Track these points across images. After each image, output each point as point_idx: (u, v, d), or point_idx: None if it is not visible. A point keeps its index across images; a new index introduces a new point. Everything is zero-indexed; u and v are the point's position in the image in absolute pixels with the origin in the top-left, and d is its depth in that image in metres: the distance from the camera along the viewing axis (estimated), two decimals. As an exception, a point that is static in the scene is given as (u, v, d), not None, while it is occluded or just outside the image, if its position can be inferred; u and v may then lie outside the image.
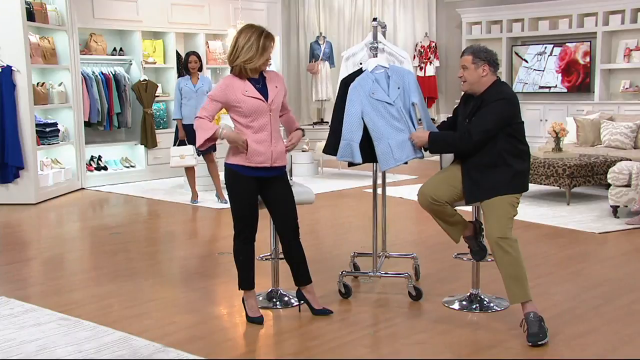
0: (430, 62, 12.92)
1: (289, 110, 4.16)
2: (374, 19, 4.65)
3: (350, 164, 4.41)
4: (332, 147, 4.42)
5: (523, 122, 4.00)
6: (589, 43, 11.37)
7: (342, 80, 4.52)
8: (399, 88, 4.29)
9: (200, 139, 3.93)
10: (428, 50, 12.95)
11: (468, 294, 4.30)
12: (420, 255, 5.00)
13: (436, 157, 4.44)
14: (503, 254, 3.77)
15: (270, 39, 3.90)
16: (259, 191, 4.00)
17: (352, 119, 4.27)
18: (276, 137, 3.94)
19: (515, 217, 3.91)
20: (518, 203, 3.92)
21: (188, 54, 7.87)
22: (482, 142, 3.86)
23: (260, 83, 3.92)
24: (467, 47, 4.10)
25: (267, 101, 3.88)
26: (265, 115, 3.88)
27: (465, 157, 3.97)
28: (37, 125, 8.29)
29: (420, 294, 4.36)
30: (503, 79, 12.01)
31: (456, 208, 4.11)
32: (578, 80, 11.59)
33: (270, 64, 3.97)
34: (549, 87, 11.90)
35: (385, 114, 4.25)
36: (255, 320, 4.01)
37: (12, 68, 7.88)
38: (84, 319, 4.05)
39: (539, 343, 3.60)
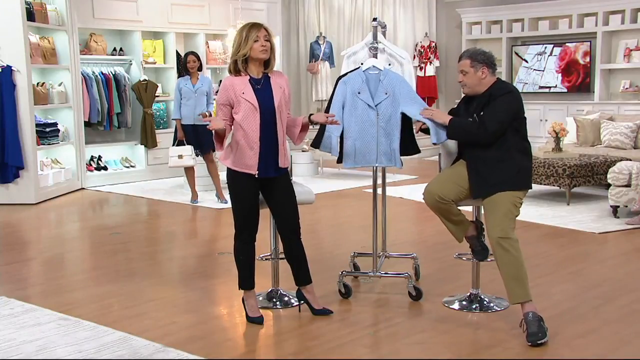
0: (430, 62, 12.92)
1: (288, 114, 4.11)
2: (374, 19, 4.65)
3: (339, 160, 4.43)
4: (317, 140, 4.47)
5: (526, 118, 4.06)
6: (589, 43, 11.38)
7: (338, 77, 4.54)
8: (386, 94, 4.28)
9: (215, 142, 3.98)
10: (428, 50, 12.95)
11: (468, 294, 4.30)
12: (420, 255, 5.00)
13: (435, 158, 4.44)
14: (504, 253, 3.77)
15: (255, 27, 3.84)
16: (260, 191, 4.01)
17: (334, 113, 4.32)
18: (281, 138, 3.94)
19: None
20: (521, 203, 3.93)
21: (187, 54, 7.86)
22: (498, 134, 3.89)
23: (261, 83, 3.91)
24: (464, 52, 4.11)
25: (260, 105, 3.83)
26: (257, 117, 3.85)
27: (472, 153, 3.97)
28: (37, 125, 8.29)
29: (420, 294, 4.36)
30: (503, 78, 12.00)
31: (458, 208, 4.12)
32: (578, 80, 11.59)
33: (264, 49, 3.84)
34: (549, 87, 11.91)
35: (361, 115, 4.27)
36: (255, 320, 4.01)
37: (12, 68, 7.88)
38: (84, 319, 4.05)
39: (538, 342, 3.60)
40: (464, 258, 4.41)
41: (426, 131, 4.19)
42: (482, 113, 3.95)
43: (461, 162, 4.08)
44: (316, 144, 4.48)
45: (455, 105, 4.31)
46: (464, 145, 4.08)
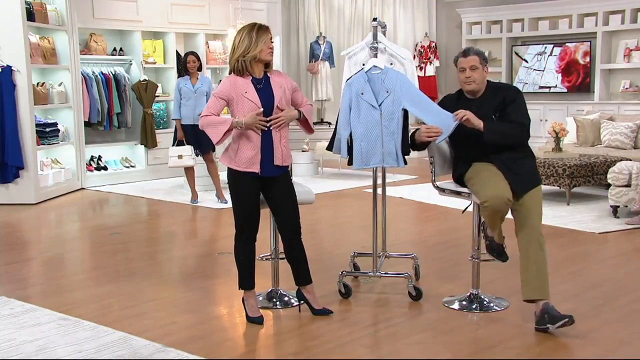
0: (430, 62, 12.92)
1: (308, 105, 4.13)
2: (374, 19, 4.65)
3: (350, 162, 4.43)
4: (332, 143, 4.51)
5: None
6: (589, 43, 11.38)
7: (346, 80, 4.54)
8: (387, 92, 4.28)
9: (217, 133, 3.85)
10: (428, 50, 12.95)
11: (468, 294, 4.29)
12: (420, 255, 5.00)
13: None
14: (539, 250, 3.84)
15: (263, 30, 3.89)
16: (261, 190, 4.01)
17: (342, 115, 4.36)
18: (277, 137, 3.94)
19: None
20: None
21: (187, 54, 7.87)
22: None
23: (262, 83, 3.92)
24: (468, 49, 4.14)
25: (263, 105, 3.86)
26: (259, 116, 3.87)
27: (500, 155, 3.97)
28: (37, 125, 8.29)
29: (420, 294, 4.36)
30: (503, 79, 12.06)
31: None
32: (578, 80, 11.59)
33: (271, 51, 3.91)
34: (549, 87, 11.91)
35: (366, 116, 4.27)
36: (255, 320, 4.01)
37: (12, 68, 7.88)
38: (84, 319, 4.05)
39: (568, 323, 3.69)
40: (479, 259, 4.30)
41: (418, 146, 4.22)
42: (497, 115, 4.00)
43: (484, 164, 4.01)
44: (331, 147, 4.50)
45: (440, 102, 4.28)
46: (478, 149, 4.01)
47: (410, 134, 4.28)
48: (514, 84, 11.84)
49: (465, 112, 3.99)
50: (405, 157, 4.36)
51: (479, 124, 3.96)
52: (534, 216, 3.89)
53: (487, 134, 3.95)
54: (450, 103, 4.18)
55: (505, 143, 3.98)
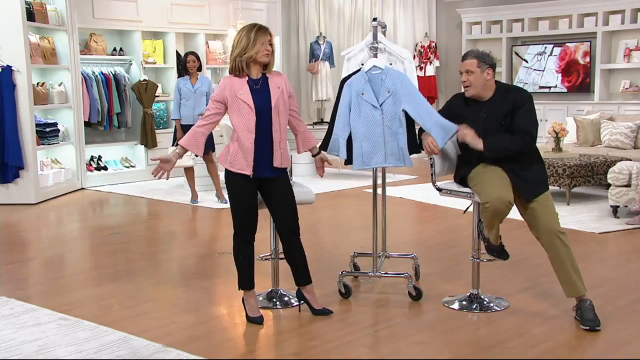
0: (430, 62, 12.92)
1: (299, 120, 4.14)
2: (374, 19, 4.65)
3: (347, 162, 4.43)
4: (325, 143, 4.48)
5: None
6: (589, 43, 11.38)
7: (342, 80, 4.54)
8: (389, 92, 4.27)
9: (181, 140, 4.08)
10: (428, 50, 12.95)
11: (468, 294, 4.29)
12: (420, 255, 5.00)
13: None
14: (563, 246, 3.87)
15: (262, 31, 3.87)
16: (259, 191, 4.01)
17: (341, 116, 4.33)
18: (277, 138, 3.94)
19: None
20: None
21: (187, 54, 7.87)
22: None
23: (259, 84, 3.92)
24: (469, 52, 4.11)
25: (256, 106, 3.84)
26: (252, 118, 3.86)
27: (508, 162, 3.95)
28: (37, 125, 8.29)
29: (420, 294, 4.36)
30: (503, 79, 12.05)
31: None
32: (578, 80, 11.60)
33: (267, 53, 3.88)
34: (549, 87, 11.92)
35: (367, 116, 4.25)
36: (255, 320, 4.01)
37: (12, 68, 7.88)
38: (84, 319, 4.05)
39: (596, 328, 3.76)
40: (481, 259, 4.30)
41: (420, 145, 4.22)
42: (508, 120, 3.96)
43: (493, 166, 3.99)
44: (324, 146, 4.48)
45: (446, 105, 4.25)
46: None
47: (418, 131, 4.28)
48: (514, 84, 11.84)
49: (468, 131, 3.98)
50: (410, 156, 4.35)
51: (478, 144, 3.95)
52: (548, 218, 3.90)
53: (488, 152, 3.95)
54: (459, 104, 4.14)
55: (508, 155, 3.96)
